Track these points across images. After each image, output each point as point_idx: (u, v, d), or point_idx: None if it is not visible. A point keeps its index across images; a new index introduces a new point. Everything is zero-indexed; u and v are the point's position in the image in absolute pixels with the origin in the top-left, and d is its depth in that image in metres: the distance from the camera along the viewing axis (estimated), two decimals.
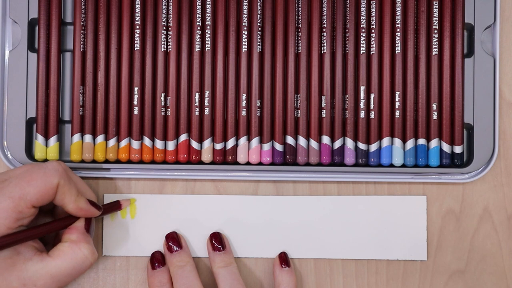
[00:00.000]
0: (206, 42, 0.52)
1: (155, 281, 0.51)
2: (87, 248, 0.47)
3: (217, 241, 0.52)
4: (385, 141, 0.52)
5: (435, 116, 0.52)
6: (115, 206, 0.52)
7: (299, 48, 0.52)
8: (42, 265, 0.46)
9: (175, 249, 0.52)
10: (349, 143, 0.52)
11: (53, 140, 0.52)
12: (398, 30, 0.52)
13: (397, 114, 0.52)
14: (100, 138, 0.52)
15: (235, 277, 0.51)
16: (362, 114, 0.52)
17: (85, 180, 0.54)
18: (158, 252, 0.53)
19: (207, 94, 0.52)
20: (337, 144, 0.52)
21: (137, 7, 0.52)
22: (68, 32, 0.53)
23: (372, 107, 0.52)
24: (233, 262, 0.52)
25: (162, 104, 0.52)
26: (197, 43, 0.52)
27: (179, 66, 0.52)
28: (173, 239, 0.52)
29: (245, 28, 0.52)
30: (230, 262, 0.52)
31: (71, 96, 0.52)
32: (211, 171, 0.53)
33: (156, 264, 0.52)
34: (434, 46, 0.52)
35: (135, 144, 0.52)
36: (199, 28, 0.52)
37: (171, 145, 0.52)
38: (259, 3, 0.52)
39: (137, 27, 0.52)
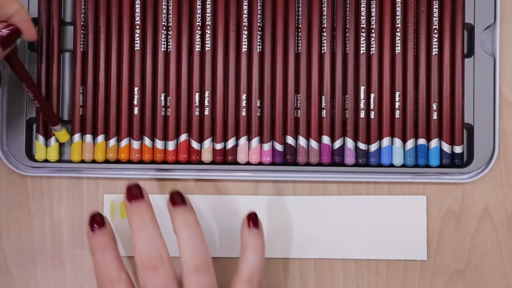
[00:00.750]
0: (206, 42, 0.52)
1: (95, 242, 0.46)
2: None
3: (177, 195, 0.48)
4: (385, 141, 0.52)
5: (435, 116, 0.52)
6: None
7: (299, 48, 0.52)
8: None
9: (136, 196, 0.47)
10: (349, 143, 0.52)
11: (53, 140, 0.52)
12: (398, 30, 0.52)
13: (397, 114, 0.52)
14: (100, 138, 0.52)
15: (198, 238, 0.46)
16: (362, 114, 0.52)
17: (85, 180, 0.54)
18: (98, 213, 0.48)
19: (207, 94, 0.52)
20: (337, 144, 0.52)
21: (137, 7, 0.52)
22: (68, 32, 0.53)
23: (372, 107, 0.52)
24: (196, 219, 0.47)
25: (162, 104, 0.52)
26: (197, 43, 0.52)
27: (179, 66, 0.52)
28: (135, 187, 0.47)
29: (245, 28, 0.52)
30: (192, 220, 0.47)
31: (71, 96, 0.52)
32: (211, 171, 0.53)
33: (96, 226, 0.47)
34: (434, 46, 0.52)
35: (135, 144, 0.52)
36: (199, 28, 0.52)
37: (171, 145, 0.52)
38: (259, 3, 0.52)
39: (137, 27, 0.52)
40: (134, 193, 0.47)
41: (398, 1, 0.52)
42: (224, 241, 0.54)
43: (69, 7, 0.53)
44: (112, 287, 0.45)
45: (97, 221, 0.47)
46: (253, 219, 0.48)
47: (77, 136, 0.52)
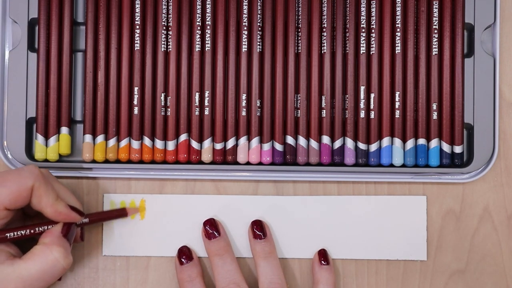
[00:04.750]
0: (206, 42, 0.52)
1: (185, 276, 0.51)
2: (59, 252, 0.46)
3: (258, 228, 0.52)
4: (385, 141, 0.52)
5: (435, 116, 0.52)
6: (121, 213, 0.52)
7: (299, 48, 0.52)
8: (13, 269, 0.45)
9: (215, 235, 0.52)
10: (349, 143, 0.52)
11: (53, 140, 0.52)
12: (398, 30, 0.52)
13: (397, 114, 0.52)
14: (100, 138, 0.52)
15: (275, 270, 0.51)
16: (362, 114, 0.52)
17: (85, 180, 0.54)
18: (185, 246, 0.53)
19: (207, 94, 0.52)
20: (337, 144, 0.52)
21: (137, 7, 0.52)
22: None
23: (372, 107, 0.52)
24: (274, 250, 0.52)
25: (162, 104, 0.52)
26: (197, 43, 0.52)
27: (179, 66, 0.52)
28: (212, 225, 0.52)
29: (245, 28, 0.52)
30: (271, 252, 0.52)
31: (73, 97, 0.52)
32: (211, 171, 0.53)
33: (184, 258, 0.52)
34: (434, 46, 0.52)
35: (135, 144, 0.52)
36: (199, 28, 0.52)
37: (171, 145, 0.52)
38: (259, 3, 0.52)
39: (137, 27, 0.52)
40: (212, 230, 0.52)
41: (398, 1, 0.52)
42: None
43: (68, 8, 0.53)
44: None
45: (185, 254, 0.52)
46: (324, 256, 0.52)
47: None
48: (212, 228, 0.52)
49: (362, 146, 0.52)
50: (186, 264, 0.52)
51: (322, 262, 0.52)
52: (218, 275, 0.50)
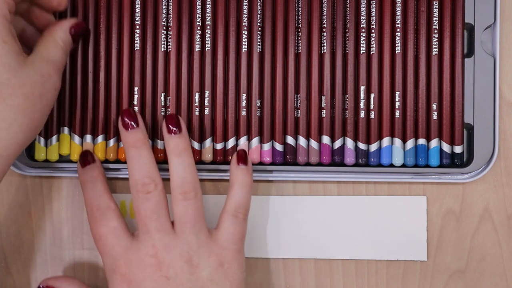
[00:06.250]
0: (206, 42, 0.52)
1: (86, 177, 0.50)
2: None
3: (173, 123, 0.49)
4: (385, 141, 0.52)
5: (435, 116, 0.52)
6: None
7: (299, 48, 0.52)
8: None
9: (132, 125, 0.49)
10: (349, 143, 0.52)
11: (53, 140, 0.52)
12: (398, 30, 0.52)
13: (397, 114, 0.52)
14: (100, 138, 0.52)
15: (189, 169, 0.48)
16: (362, 114, 0.52)
17: None
18: (88, 151, 0.51)
19: (207, 94, 0.52)
20: (337, 144, 0.52)
21: (137, 7, 0.52)
22: None
23: (372, 107, 0.52)
24: (188, 147, 0.49)
25: (162, 104, 0.52)
26: (197, 43, 0.52)
27: (179, 66, 0.52)
28: (130, 115, 0.49)
29: (245, 28, 0.52)
30: (184, 148, 0.49)
31: (72, 97, 0.52)
32: (211, 171, 0.53)
33: (86, 162, 0.51)
34: (434, 46, 0.52)
35: None
36: (199, 28, 0.52)
37: None
38: (259, 3, 0.52)
39: (137, 27, 0.52)
40: (130, 121, 0.49)
41: (398, 1, 0.52)
42: None
43: (68, 8, 0.53)
44: (101, 216, 0.48)
45: (87, 157, 0.51)
46: (241, 157, 0.50)
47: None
48: (130, 118, 0.49)
49: (362, 146, 0.52)
50: (88, 166, 0.50)
51: (240, 162, 0.50)
52: (132, 168, 0.48)
